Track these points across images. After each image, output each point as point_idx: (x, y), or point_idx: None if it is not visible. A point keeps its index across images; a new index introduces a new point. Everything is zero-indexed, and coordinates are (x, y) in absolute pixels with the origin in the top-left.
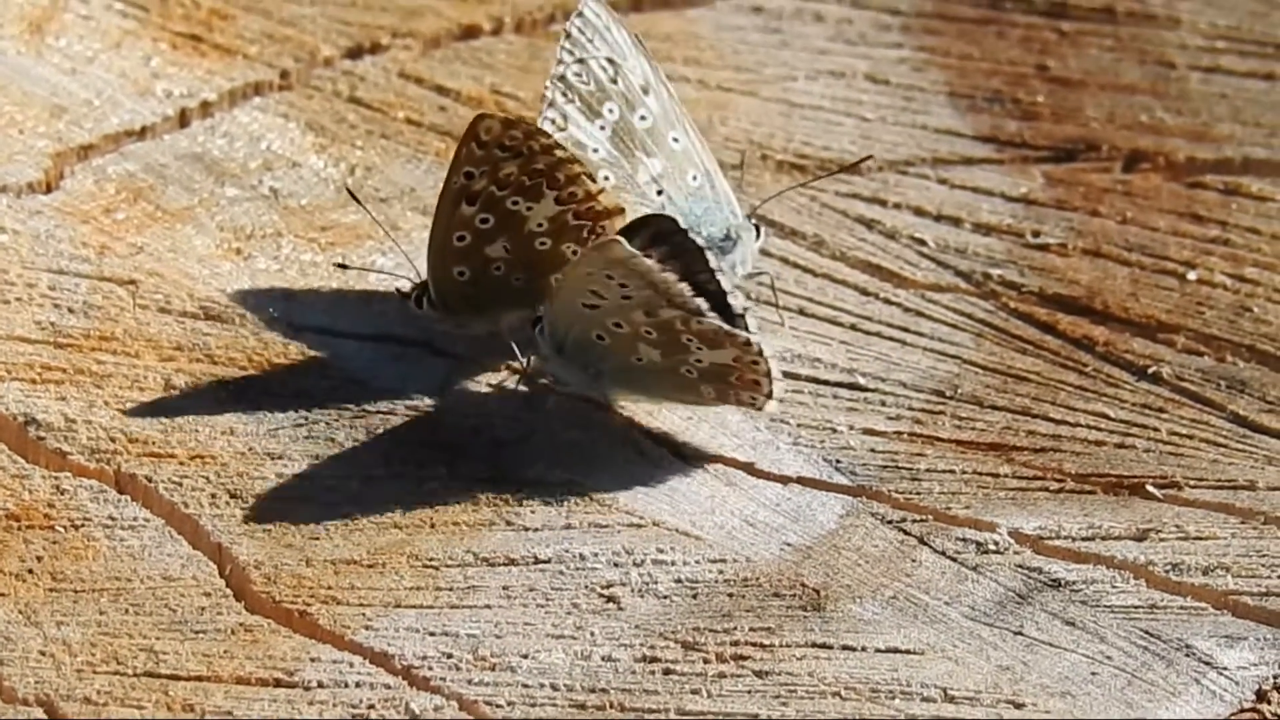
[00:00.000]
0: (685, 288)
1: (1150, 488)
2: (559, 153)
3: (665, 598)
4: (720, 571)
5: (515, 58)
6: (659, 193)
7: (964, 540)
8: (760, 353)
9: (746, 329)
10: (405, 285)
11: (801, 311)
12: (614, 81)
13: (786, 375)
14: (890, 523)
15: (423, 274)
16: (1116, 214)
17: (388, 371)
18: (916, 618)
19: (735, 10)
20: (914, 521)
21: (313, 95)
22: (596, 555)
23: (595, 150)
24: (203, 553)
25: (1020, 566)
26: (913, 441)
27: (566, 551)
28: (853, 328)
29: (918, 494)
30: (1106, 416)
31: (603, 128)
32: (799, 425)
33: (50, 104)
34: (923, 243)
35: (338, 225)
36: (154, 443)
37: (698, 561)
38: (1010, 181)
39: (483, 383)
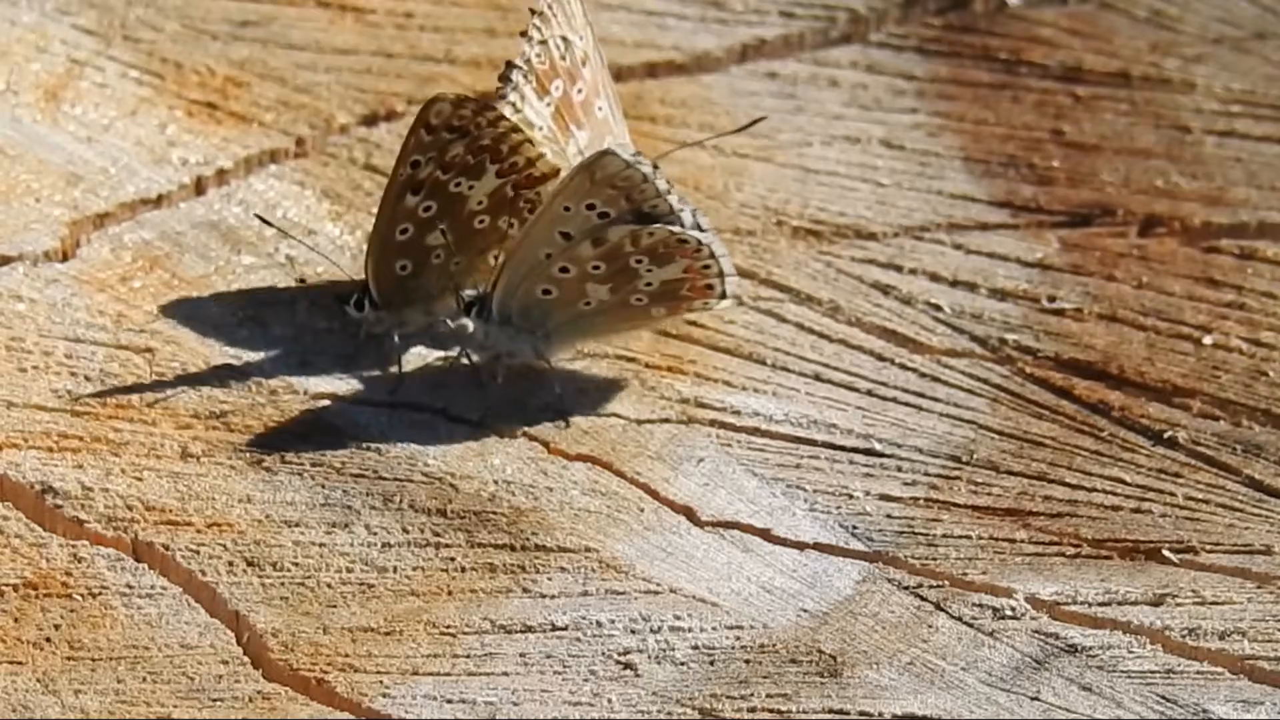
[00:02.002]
0: (669, 192)
1: (1166, 553)
2: (503, 124)
3: (682, 664)
4: (737, 638)
5: None
6: None
7: (980, 606)
8: (712, 254)
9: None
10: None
11: (817, 377)
12: (563, 59)
13: (801, 441)
14: (907, 588)
15: (353, 279)
16: (1132, 279)
17: (404, 438)
18: (933, 683)
19: (750, 75)
20: (930, 587)
21: (328, 162)
22: (613, 622)
23: (540, 128)
24: (220, 620)
25: (1037, 632)
26: (929, 507)
27: (584, 619)
28: (869, 393)
29: (934, 560)
30: (1123, 481)
31: (548, 105)
32: (815, 491)
33: (66, 172)
34: (938, 308)
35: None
36: (171, 510)
37: (714, 628)
38: (1026, 246)
39: (500, 450)
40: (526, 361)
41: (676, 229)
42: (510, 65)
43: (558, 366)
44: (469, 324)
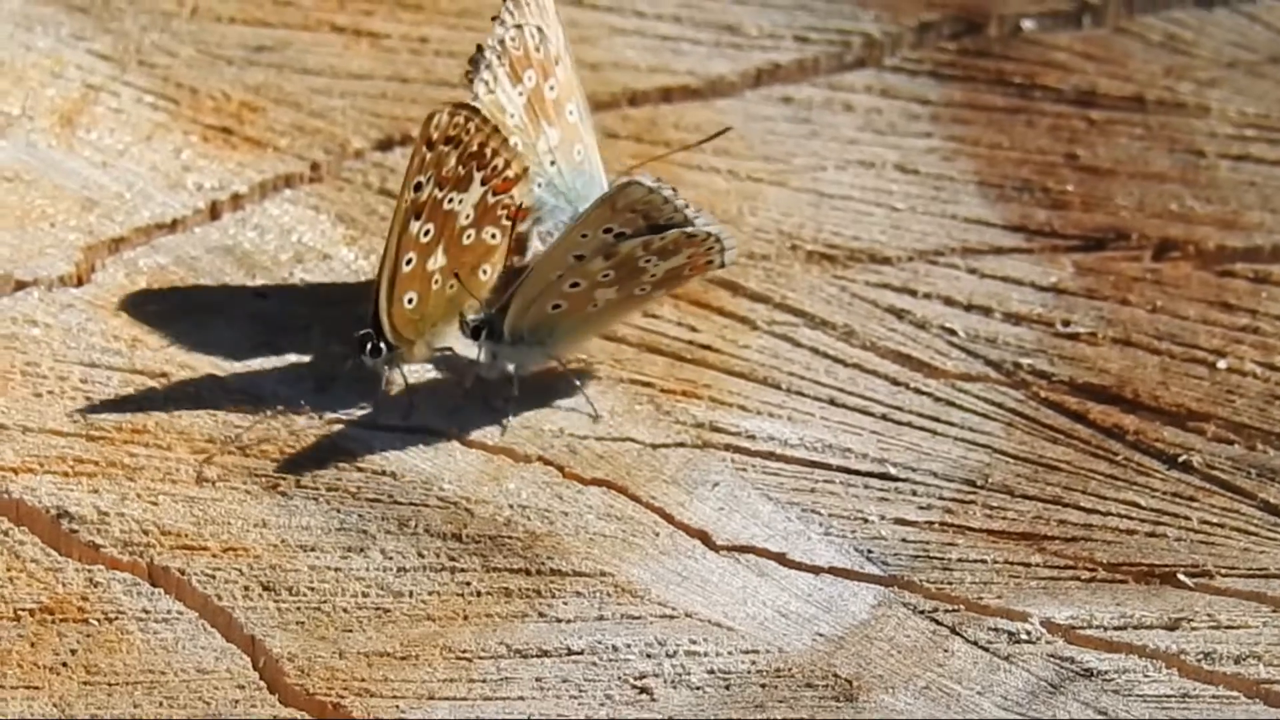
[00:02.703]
0: (686, 207)
1: (1182, 576)
2: (488, 125)
3: (698, 689)
4: (753, 662)
5: None
6: (552, 163)
7: (996, 630)
8: (717, 239)
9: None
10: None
11: (832, 401)
12: (538, 50)
13: (816, 465)
14: (922, 613)
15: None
16: (1146, 303)
17: (420, 463)
18: (949, 708)
19: (764, 100)
20: (946, 611)
21: (343, 187)
22: (629, 646)
23: (511, 116)
24: (236, 645)
25: (1052, 656)
26: (944, 531)
27: (599, 643)
28: (884, 418)
29: (949, 584)
30: (1137, 505)
31: (521, 94)
32: (830, 515)
33: (81, 197)
34: (953, 332)
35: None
36: (187, 535)
37: (730, 652)
38: (1040, 270)
39: (515, 474)
40: (538, 368)
41: (689, 229)
42: (481, 47)
43: (572, 383)
44: (479, 349)
